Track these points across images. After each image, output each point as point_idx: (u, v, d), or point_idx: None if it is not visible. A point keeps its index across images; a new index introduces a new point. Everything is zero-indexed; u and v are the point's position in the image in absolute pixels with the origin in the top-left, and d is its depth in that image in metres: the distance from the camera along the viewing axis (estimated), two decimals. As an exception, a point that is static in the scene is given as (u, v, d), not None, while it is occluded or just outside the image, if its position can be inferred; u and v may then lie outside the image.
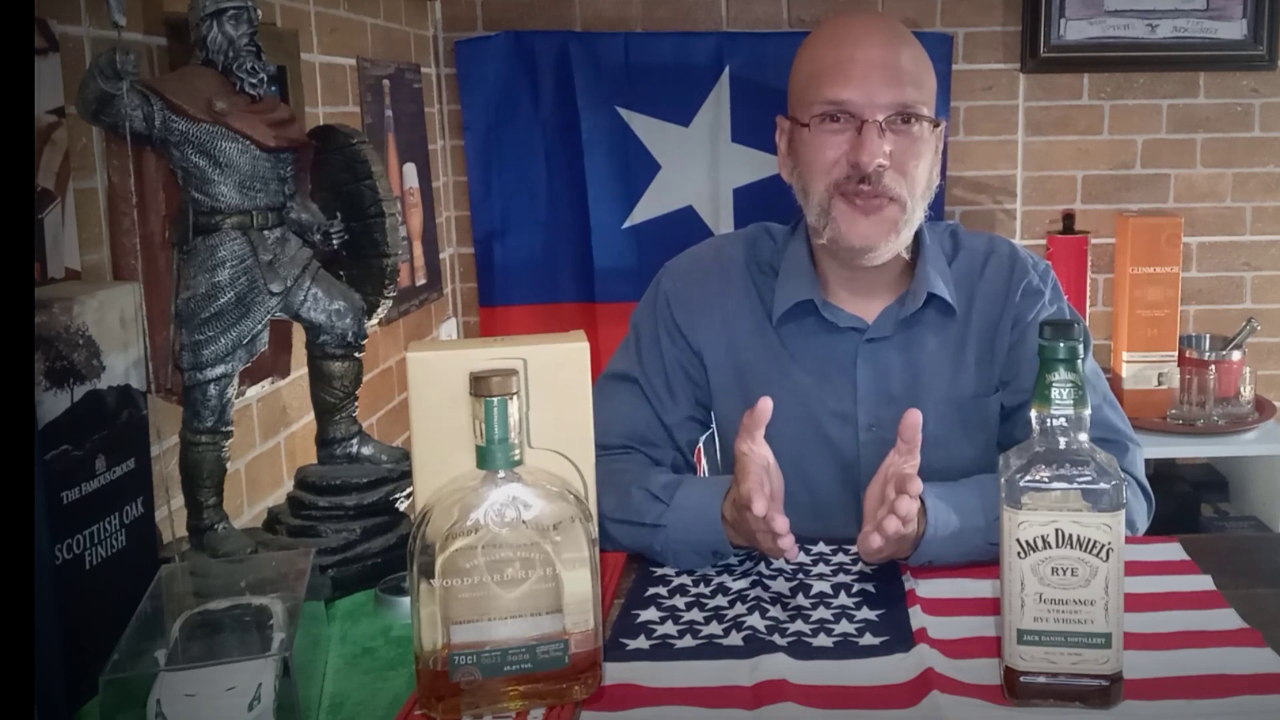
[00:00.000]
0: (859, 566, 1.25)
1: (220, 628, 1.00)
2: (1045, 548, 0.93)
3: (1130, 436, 1.44)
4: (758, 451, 1.20)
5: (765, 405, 1.19)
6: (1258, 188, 3.00)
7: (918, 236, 1.45)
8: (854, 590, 1.19)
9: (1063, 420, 0.94)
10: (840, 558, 1.28)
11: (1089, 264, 2.90)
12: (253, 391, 1.40)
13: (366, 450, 1.31)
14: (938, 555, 1.21)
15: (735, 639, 1.08)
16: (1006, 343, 1.45)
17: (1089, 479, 0.92)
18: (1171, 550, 1.27)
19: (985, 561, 1.19)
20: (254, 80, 1.22)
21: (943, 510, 1.21)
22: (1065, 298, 1.50)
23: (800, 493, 1.40)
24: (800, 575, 1.23)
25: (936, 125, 1.39)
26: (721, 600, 1.18)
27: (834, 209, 1.37)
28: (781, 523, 1.14)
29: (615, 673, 1.02)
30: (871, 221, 1.36)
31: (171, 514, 1.21)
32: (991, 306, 1.45)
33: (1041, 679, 0.95)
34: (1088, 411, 0.94)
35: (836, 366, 1.44)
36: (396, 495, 1.29)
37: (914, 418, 1.17)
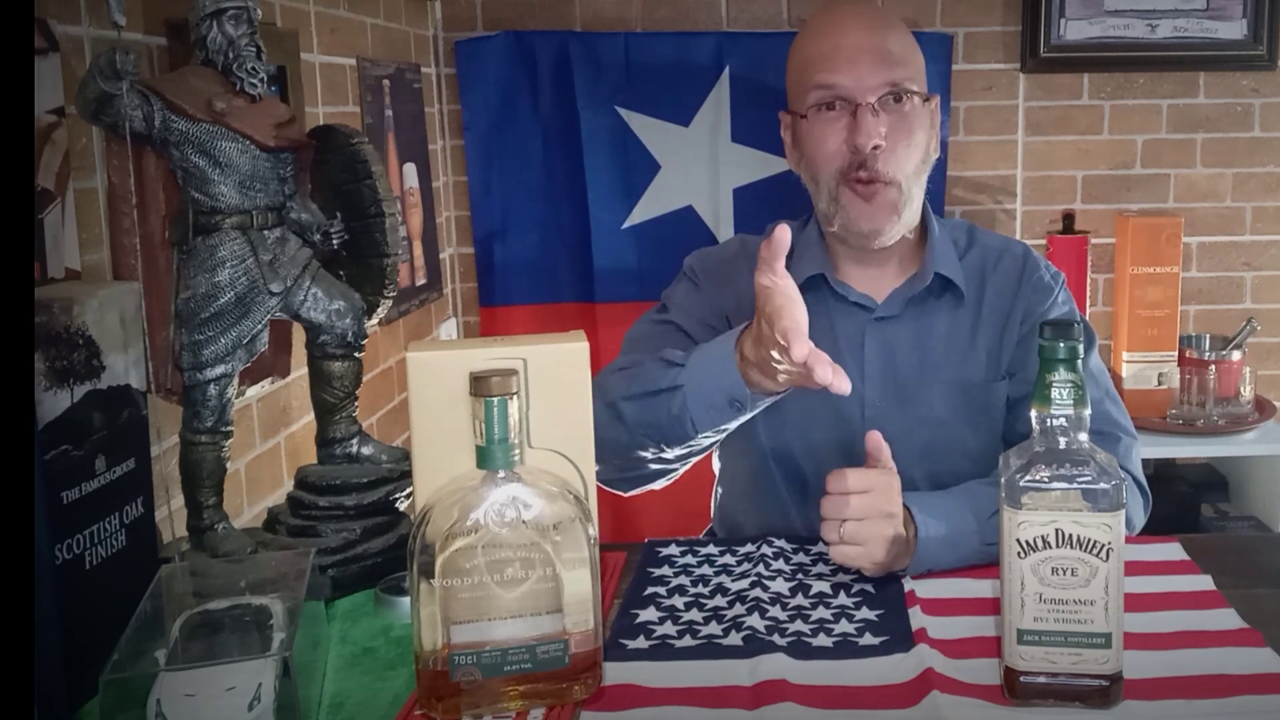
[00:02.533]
0: (859, 566, 1.25)
1: (220, 628, 1.00)
2: (1045, 548, 0.93)
3: (1128, 430, 1.46)
4: (780, 284, 1.16)
5: (783, 233, 1.15)
6: (1258, 188, 3.00)
7: (925, 222, 1.49)
8: (853, 590, 1.19)
9: (1063, 420, 0.94)
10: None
11: (1089, 264, 2.90)
12: (253, 391, 1.40)
13: (366, 450, 1.31)
14: (935, 562, 1.22)
15: (735, 639, 1.08)
16: (1016, 334, 1.47)
17: (1089, 479, 0.92)
18: (1171, 550, 1.27)
19: (985, 564, 1.20)
20: (254, 80, 1.23)
21: (930, 519, 1.21)
22: (1074, 303, 1.54)
23: (805, 465, 1.42)
24: (800, 575, 1.24)
25: (928, 100, 1.43)
26: (721, 600, 1.18)
27: (843, 197, 1.42)
28: (822, 362, 1.11)
29: (615, 673, 1.02)
30: (874, 206, 1.41)
31: (171, 514, 1.21)
32: (1002, 298, 1.48)
33: (1041, 679, 0.95)
34: (1088, 411, 0.94)
35: (845, 343, 1.47)
36: (396, 495, 1.29)
37: (875, 439, 1.20)
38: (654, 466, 1.38)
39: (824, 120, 1.41)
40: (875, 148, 1.37)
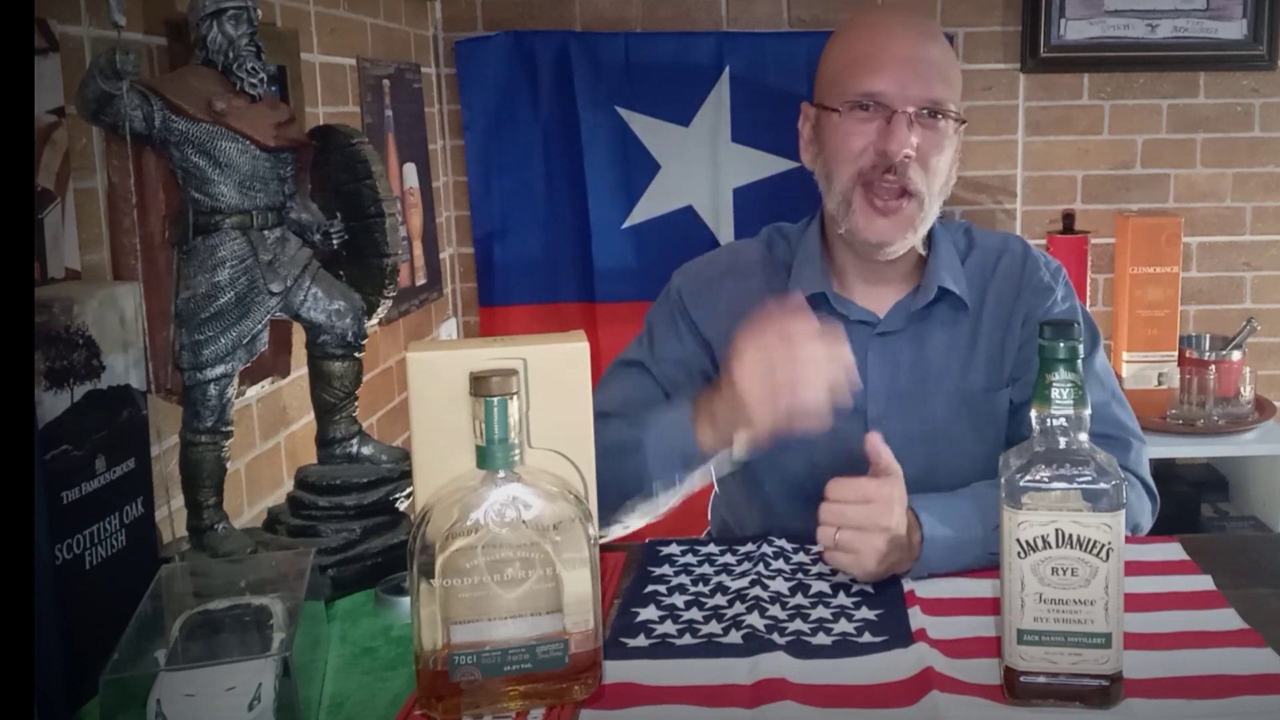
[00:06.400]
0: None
1: (220, 628, 1.00)
2: (1045, 548, 0.93)
3: (1136, 434, 1.45)
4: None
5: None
6: (1258, 188, 3.00)
7: (930, 233, 1.47)
8: (853, 590, 1.19)
9: (1063, 420, 0.94)
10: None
11: (1089, 264, 2.90)
12: (253, 391, 1.40)
13: (366, 450, 1.31)
14: (937, 567, 1.21)
15: (734, 638, 1.08)
16: (1018, 339, 1.46)
17: (1089, 479, 0.92)
18: (1171, 550, 1.27)
19: (986, 567, 1.19)
20: (254, 80, 1.23)
21: (937, 525, 1.21)
22: (1077, 296, 1.51)
23: (808, 485, 1.40)
24: (799, 575, 1.24)
25: (960, 124, 1.41)
26: (721, 599, 1.18)
27: (854, 201, 1.39)
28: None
29: (615, 671, 1.02)
30: (890, 221, 1.39)
31: (171, 514, 1.21)
32: (1003, 303, 1.47)
33: (1041, 679, 0.95)
34: (1088, 411, 0.94)
35: None
36: (396, 495, 1.29)
37: (874, 441, 1.21)
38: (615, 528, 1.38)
39: (856, 119, 1.38)
40: (906, 157, 1.35)
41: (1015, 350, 1.46)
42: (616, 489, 1.30)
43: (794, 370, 1.18)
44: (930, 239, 1.48)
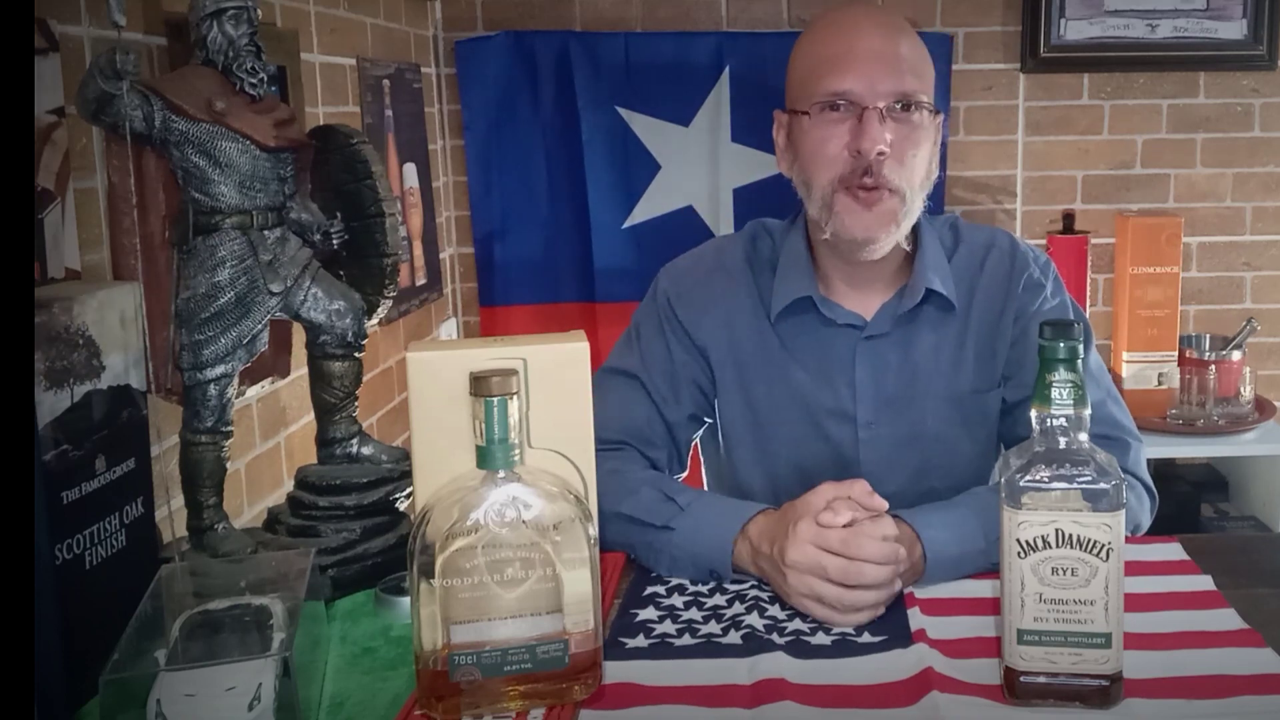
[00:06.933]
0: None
1: (220, 628, 1.00)
2: (1045, 548, 0.93)
3: (1133, 433, 1.44)
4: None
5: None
6: (1258, 188, 3.00)
7: (916, 231, 1.44)
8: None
9: (1063, 420, 0.94)
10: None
11: (1089, 264, 2.90)
12: (253, 391, 1.40)
13: (366, 450, 1.31)
14: (939, 581, 1.20)
15: (734, 638, 1.08)
16: (1008, 338, 1.44)
17: (1089, 479, 0.92)
18: (1171, 550, 1.27)
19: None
20: (254, 80, 1.23)
21: (940, 544, 1.19)
22: (1066, 290, 1.49)
23: (797, 490, 1.40)
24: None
25: (936, 115, 1.38)
26: (720, 599, 1.18)
27: (837, 203, 1.36)
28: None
29: (614, 672, 1.02)
30: (873, 214, 1.35)
31: (171, 514, 1.21)
32: (992, 301, 1.45)
33: (1041, 679, 0.95)
34: (1088, 411, 0.94)
35: (835, 364, 1.44)
36: (396, 495, 1.29)
37: (862, 487, 1.18)
38: None
39: (827, 121, 1.35)
40: (880, 154, 1.32)
41: (1006, 349, 1.44)
42: (624, 544, 1.29)
43: (845, 579, 1.12)
44: (916, 236, 1.44)
